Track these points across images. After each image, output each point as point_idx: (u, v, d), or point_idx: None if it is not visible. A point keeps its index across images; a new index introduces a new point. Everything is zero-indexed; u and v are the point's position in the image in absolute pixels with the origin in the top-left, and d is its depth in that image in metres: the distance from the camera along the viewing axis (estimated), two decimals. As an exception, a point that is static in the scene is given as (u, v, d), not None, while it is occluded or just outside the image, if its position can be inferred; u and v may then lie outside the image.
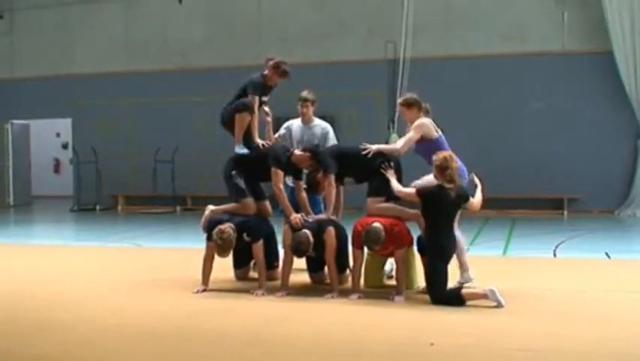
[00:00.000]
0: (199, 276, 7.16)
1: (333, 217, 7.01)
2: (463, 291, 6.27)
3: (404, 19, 15.64)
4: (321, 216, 6.97)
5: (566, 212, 15.31)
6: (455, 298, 6.20)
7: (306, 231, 6.70)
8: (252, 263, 7.73)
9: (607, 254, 9.47)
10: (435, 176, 6.46)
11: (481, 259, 8.50)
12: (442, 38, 16.16)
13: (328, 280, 7.28)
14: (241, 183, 7.19)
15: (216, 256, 7.00)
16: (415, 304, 6.37)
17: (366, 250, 6.69)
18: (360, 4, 16.74)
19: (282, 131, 8.17)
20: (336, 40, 16.82)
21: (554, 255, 9.60)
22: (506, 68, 15.74)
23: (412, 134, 6.90)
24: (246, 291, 6.95)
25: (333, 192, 6.92)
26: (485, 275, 7.08)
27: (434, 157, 6.43)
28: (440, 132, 7.03)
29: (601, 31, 14.98)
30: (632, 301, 6.43)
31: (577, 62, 15.28)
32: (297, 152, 7.21)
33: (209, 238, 7.04)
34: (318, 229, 6.76)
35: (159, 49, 18.05)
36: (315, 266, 7.32)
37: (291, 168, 7.18)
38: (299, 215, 6.91)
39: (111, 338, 5.36)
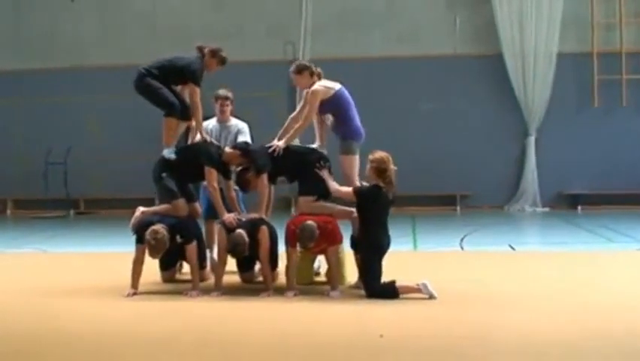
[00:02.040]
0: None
1: (264, 217, 7.07)
2: (397, 285, 6.48)
3: (303, 21, 15.86)
4: (254, 215, 7.00)
5: (458, 208, 15.97)
6: (390, 292, 6.41)
7: (241, 231, 6.72)
8: (177, 265, 7.69)
9: (511, 246, 10.00)
10: (370, 177, 6.62)
11: (396, 254, 8.73)
12: (339, 40, 16.46)
13: (258, 279, 7.37)
14: (172, 184, 7.10)
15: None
16: (351, 298, 6.53)
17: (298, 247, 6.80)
18: (258, 5, 16.79)
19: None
20: (234, 41, 16.69)
21: (462, 248, 10.04)
22: (401, 70, 16.23)
23: (310, 106, 6.99)
24: (179, 293, 6.88)
25: (266, 191, 6.97)
26: (405, 270, 7.19)
27: (370, 157, 6.60)
28: (338, 86, 7.12)
29: (491, 34, 15.74)
30: (560, 290, 6.85)
31: (468, 65, 15.97)
32: (228, 149, 7.20)
33: (138, 240, 6.93)
34: (252, 228, 6.80)
35: (50, 46, 17.39)
36: (245, 266, 7.35)
37: (222, 167, 7.17)
38: (232, 215, 6.92)
39: (54, 346, 5.21)
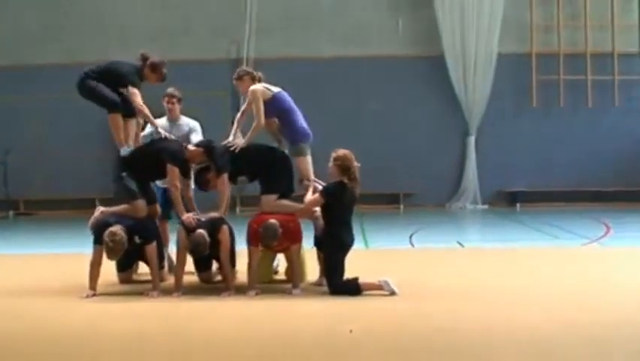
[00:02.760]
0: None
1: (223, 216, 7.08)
2: (360, 281, 6.59)
3: (247, 20, 15.85)
4: (214, 214, 7.00)
5: (402, 206, 16.22)
6: (353, 289, 6.52)
7: (201, 231, 6.72)
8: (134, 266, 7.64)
9: (460, 243, 10.26)
10: (333, 174, 6.72)
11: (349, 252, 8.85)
12: (284, 40, 16.49)
13: (216, 279, 7.38)
14: (132, 184, 7.04)
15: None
16: (314, 296, 6.63)
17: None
18: (203, 4, 16.68)
19: (147, 130, 7.97)
20: (179, 39, 16.62)
21: (412, 245, 10.24)
22: (346, 70, 16.35)
23: (255, 103, 7.11)
24: (138, 293, 6.84)
25: (227, 190, 6.99)
26: (360, 268, 7.06)
27: (333, 155, 6.70)
28: (277, 89, 7.28)
29: (433, 36, 16.02)
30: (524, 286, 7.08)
31: (411, 66, 16.20)
32: (191, 147, 7.18)
33: (96, 241, 6.86)
34: (212, 228, 6.81)
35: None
36: (203, 265, 7.35)
37: (184, 165, 7.14)
38: (192, 214, 6.90)
39: (23, 346, 5.14)
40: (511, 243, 10.53)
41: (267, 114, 7.19)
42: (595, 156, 15.95)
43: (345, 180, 6.67)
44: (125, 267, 7.47)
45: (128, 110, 7.30)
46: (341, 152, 6.72)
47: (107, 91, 7.22)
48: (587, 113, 16.12)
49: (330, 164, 6.73)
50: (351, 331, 5.25)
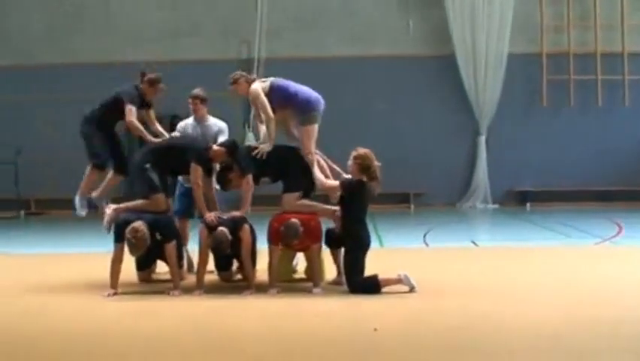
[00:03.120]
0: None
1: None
2: (380, 278, 6.63)
3: (258, 20, 15.90)
4: (235, 213, 7.04)
5: (412, 206, 16.25)
6: (373, 286, 6.56)
7: (223, 229, 6.76)
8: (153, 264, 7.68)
9: (474, 242, 10.30)
10: (354, 173, 6.76)
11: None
12: (295, 39, 16.54)
13: (236, 277, 7.43)
14: (155, 177, 7.08)
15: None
16: (334, 294, 6.67)
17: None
18: (214, 3, 16.73)
19: (176, 133, 8.08)
20: (189, 39, 16.68)
21: (427, 245, 10.28)
22: (356, 70, 16.39)
23: (260, 102, 7.16)
24: (159, 293, 6.88)
25: (251, 191, 7.03)
26: (379, 267, 7.12)
27: (354, 153, 6.73)
28: (270, 79, 7.33)
29: (444, 35, 16.05)
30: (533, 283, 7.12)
31: (421, 66, 16.24)
32: (215, 147, 7.22)
33: (117, 239, 6.89)
34: (234, 226, 6.85)
35: (-2, 44, 16.97)
36: (223, 264, 7.39)
37: (207, 165, 7.19)
38: (214, 213, 6.95)
39: (49, 344, 5.19)
40: (525, 242, 10.55)
41: (276, 105, 7.22)
42: (605, 156, 15.96)
43: (365, 179, 6.70)
44: (145, 266, 7.50)
45: (119, 170, 7.55)
46: (361, 150, 6.77)
47: (96, 141, 7.46)
48: (596, 113, 16.13)
49: (350, 162, 6.77)
50: (375, 329, 5.28)
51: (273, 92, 7.22)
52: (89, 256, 9.38)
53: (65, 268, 8.44)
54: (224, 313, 6.08)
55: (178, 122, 8.42)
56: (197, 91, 8.15)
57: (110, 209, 7.22)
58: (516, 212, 15.07)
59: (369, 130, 16.24)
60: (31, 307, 6.39)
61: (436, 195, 16.41)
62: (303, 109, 7.23)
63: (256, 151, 7.08)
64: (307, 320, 5.76)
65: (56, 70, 16.49)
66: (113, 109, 7.47)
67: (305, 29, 16.50)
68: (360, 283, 6.57)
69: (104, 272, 6.99)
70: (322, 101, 7.32)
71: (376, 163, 6.74)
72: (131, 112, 7.33)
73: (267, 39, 16.04)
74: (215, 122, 8.14)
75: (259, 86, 7.24)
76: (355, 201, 6.70)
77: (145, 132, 7.44)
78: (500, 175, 16.16)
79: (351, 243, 6.67)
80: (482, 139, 16.21)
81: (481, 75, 16.00)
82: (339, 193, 6.80)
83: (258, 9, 15.93)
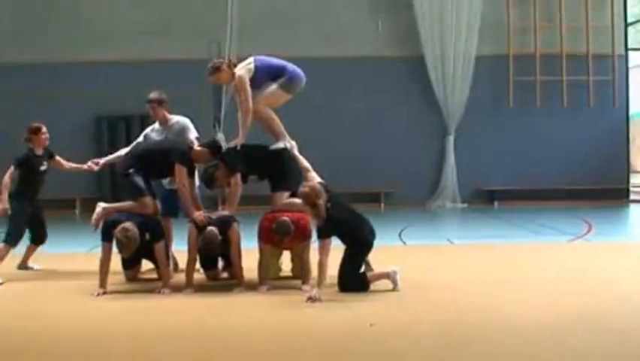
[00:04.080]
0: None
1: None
2: (368, 275, 6.73)
3: (228, 20, 15.90)
4: (224, 212, 7.08)
5: (382, 204, 16.42)
6: (363, 285, 6.65)
7: (213, 229, 6.79)
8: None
9: (449, 240, 10.48)
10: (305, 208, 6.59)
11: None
12: (265, 40, 16.52)
13: (222, 276, 7.47)
14: (140, 181, 7.09)
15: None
16: (326, 291, 6.70)
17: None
18: (184, 3, 16.69)
19: (139, 139, 8.03)
20: (160, 39, 16.60)
21: (404, 243, 10.42)
22: (327, 70, 16.44)
23: (244, 92, 7.12)
24: (149, 291, 6.88)
25: (239, 190, 7.06)
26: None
27: (300, 189, 6.56)
28: (252, 58, 7.32)
29: (413, 37, 16.27)
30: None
31: (391, 66, 16.45)
32: (197, 148, 7.25)
33: (104, 238, 6.88)
34: (223, 225, 6.88)
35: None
36: (208, 263, 7.41)
37: (191, 165, 7.21)
38: (202, 213, 6.98)
39: (47, 345, 5.17)
40: (500, 239, 10.76)
41: (264, 84, 7.27)
42: (571, 155, 16.35)
43: (324, 209, 6.47)
44: (132, 264, 7.50)
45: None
46: (307, 187, 6.54)
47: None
48: (562, 113, 16.51)
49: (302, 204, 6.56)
50: (371, 325, 5.37)
51: (258, 72, 7.23)
52: (67, 256, 9.31)
53: (49, 268, 8.37)
54: (216, 310, 6.10)
55: (148, 122, 8.38)
56: (152, 95, 7.87)
57: (99, 207, 7.21)
58: (485, 211, 15.34)
59: (341, 130, 16.41)
60: (21, 308, 6.35)
61: (405, 194, 16.60)
62: (292, 77, 7.34)
63: (232, 144, 7.13)
64: (302, 316, 5.82)
65: (21, 69, 16.30)
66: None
67: (276, 30, 16.55)
68: (352, 283, 6.61)
69: (86, 272, 7.06)
70: (304, 77, 7.46)
71: (321, 201, 6.45)
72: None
73: (238, 39, 16.04)
74: (177, 120, 7.96)
75: (245, 73, 7.19)
76: (341, 227, 6.59)
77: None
78: (468, 174, 16.46)
79: (358, 246, 6.71)
80: (450, 139, 16.48)
81: (449, 76, 16.27)
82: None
83: (229, 9, 15.93)
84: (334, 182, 17.21)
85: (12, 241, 7.79)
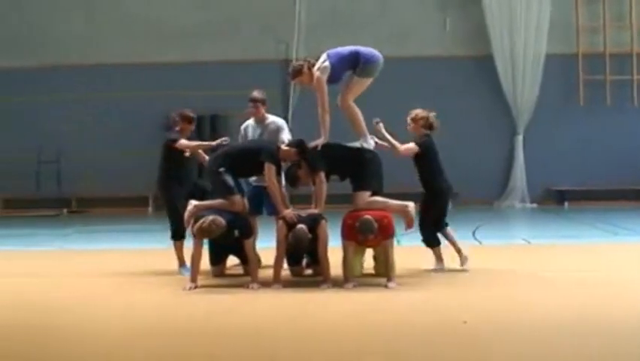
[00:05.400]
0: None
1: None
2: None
3: (296, 20, 16.07)
4: (313, 210, 7.23)
5: (451, 204, 16.32)
6: (434, 240, 7.64)
7: (303, 226, 6.94)
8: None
9: (526, 240, 10.47)
10: (417, 131, 7.90)
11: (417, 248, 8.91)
12: (331, 39, 16.55)
13: (306, 272, 7.62)
14: (229, 180, 7.28)
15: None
16: (411, 288, 6.84)
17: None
18: (251, 3, 16.89)
19: (241, 133, 8.30)
20: (227, 39, 16.84)
21: (479, 242, 10.44)
22: (393, 70, 16.33)
23: (320, 92, 7.37)
24: (237, 286, 7.08)
25: (324, 188, 7.21)
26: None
27: (412, 115, 8.15)
28: (325, 56, 7.59)
29: (481, 36, 16.21)
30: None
31: (458, 66, 16.38)
32: (284, 147, 7.40)
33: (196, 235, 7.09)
34: (312, 223, 7.03)
35: (41, 44, 17.16)
36: (294, 259, 7.57)
37: (279, 164, 7.37)
38: (291, 210, 7.14)
39: (148, 339, 5.38)
40: (576, 240, 10.68)
41: (343, 75, 7.54)
42: (642, 154, 16.09)
43: (428, 132, 7.69)
44: (219, 260, 7.72)
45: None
46: (417, 110, 8.00)
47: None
48: (633, 112, 16.26)
49: (411, 123, 7.94)
50: (465, 322, 5.44)
51: (334, 68, 7.41)
52: (143, 251, 9.61)
53: (122, 264, 8.58)
54: (310, 306, 6.24)
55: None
56: (257, 94, 8.17)
57: (191, 205, 7.41)
58: (556, 211, 15.20)
59: (407, 130, 16.40)
60: (117, 305, 6.55)
61: (473, 194, 16.51)
62: (367, 60, 7.60)
63: (313, 144, 7.27)
64: (395, 313, 5.92)
65: (94, 70, 16.75)
66: None
67: (342, 29, 16.58)
68: (430, 233, 7.69)
69: (161, 267, 7.44)
70: (381, 58, 7.76)
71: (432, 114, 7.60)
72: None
73: (305, 39, 16.20)
74: (273, 120, 8.22)
75: (322, 73, 7.37)
76: (431, 154, 7.58)
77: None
78: (538, 174, 16.29)
79: (432, 195, 7.62)
80: (520, 138, 16.36)
81: (518, 75, 16.15)
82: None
83: (296, 8, 16.10)
84: (405, 181, 17.33)
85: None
